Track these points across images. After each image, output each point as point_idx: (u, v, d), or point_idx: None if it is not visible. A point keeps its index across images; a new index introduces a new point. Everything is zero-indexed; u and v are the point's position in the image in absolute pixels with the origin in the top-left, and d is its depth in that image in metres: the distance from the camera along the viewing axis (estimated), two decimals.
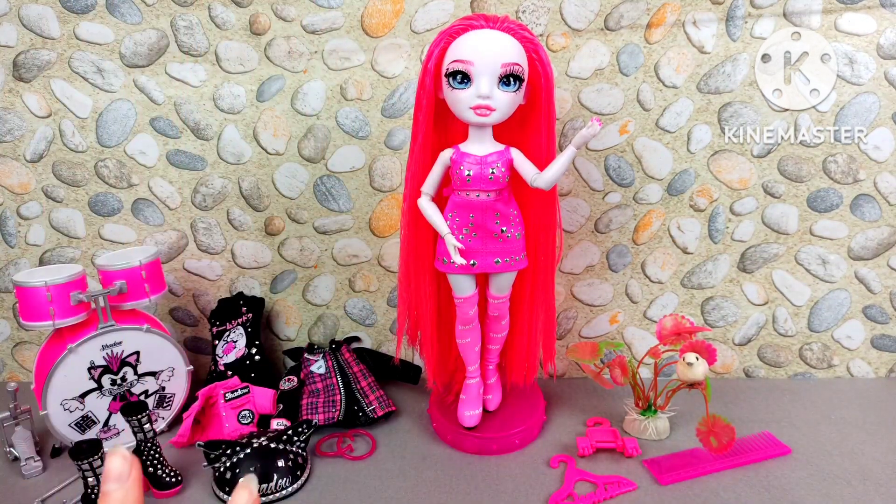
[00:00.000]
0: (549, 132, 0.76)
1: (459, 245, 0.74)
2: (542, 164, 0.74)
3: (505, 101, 0.70)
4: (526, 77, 0.71)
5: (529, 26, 0.92)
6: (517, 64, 0.69)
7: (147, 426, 0.76)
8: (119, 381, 0.87)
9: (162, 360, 0.90)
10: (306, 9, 0.93)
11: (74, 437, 0.85)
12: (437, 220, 0.75)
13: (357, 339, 1.07)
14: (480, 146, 0.74)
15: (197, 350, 1.10)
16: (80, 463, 0.68)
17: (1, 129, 0.99)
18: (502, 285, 0.81)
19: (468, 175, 0.73)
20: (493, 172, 0.73)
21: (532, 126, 0.77)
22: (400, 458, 0.84)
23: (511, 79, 0.69)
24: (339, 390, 0.94)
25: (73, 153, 1.00)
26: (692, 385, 0.81)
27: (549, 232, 0.81)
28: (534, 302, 0.84)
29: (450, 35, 0.71)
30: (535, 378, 0.91)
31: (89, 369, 0.84)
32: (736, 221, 0.98)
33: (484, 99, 0.69)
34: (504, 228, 0.76)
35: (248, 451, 0.76)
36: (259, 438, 0.78)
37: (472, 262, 0.77)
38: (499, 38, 0.69)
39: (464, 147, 0.75)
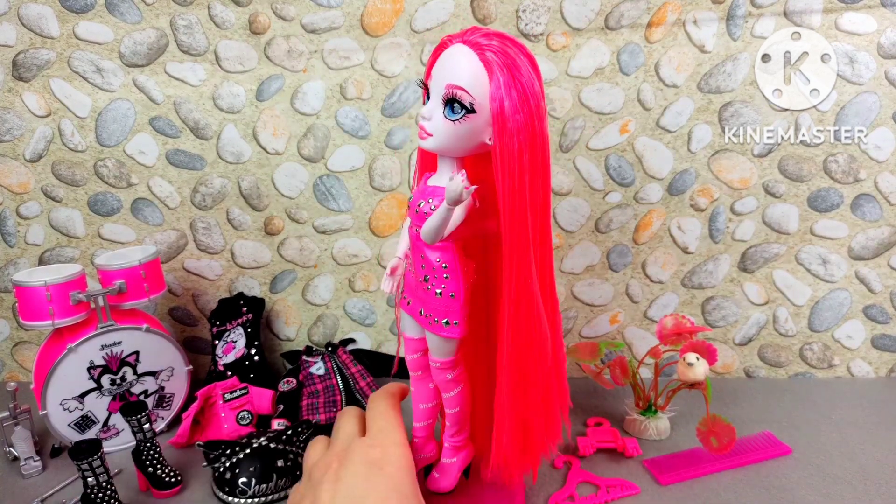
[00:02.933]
0: (506, 195, 0.57)
1: (387, 269, 0.64)
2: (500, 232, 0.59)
3: (442, 129, 0.57)
4: (478, 108, 0.56)
5: (530, 25, 0.92)
6: (460, 88, 0.55)
7: (146, 426, 0.76)
8: (118, 381, 0.87)
9: (161, 359, 0.90)
10: (306, 8, 0.93)
11: (74, 436, 0.84)
12: (401, 243, 0.66)
13: (352, 340, 1.07)
14: (438, 176, 0.62)
15: (196, 350, 1.10)
16: (79, 463, 0.68)
17: (0, 129, 0.99)
18: (433, 347, 0.65)
19: (409, 200, 0.63)
20: (420, 206, 0.60)
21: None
22: None
23: (454, 104, 0.56)
24: (340, 391, 0.94)
25: (73, 153, 1.00)
26: (692, 385, 0.81)
27: (526, 315, 0.61)
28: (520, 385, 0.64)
29: (438, 48, 0.61)
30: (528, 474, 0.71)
31: (89, 369, 0.84)
32: (736, 221, 0.97)
33: (421, 118, 0.58)
34: (426, 277, 0.62)
35: (248, 451, 0.76)
36: (259, 438, 0.78)
37: (408, 299, 0.65)
38: (457, 54, 0.57)
39: (434, 174, 0.64)
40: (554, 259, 0.81)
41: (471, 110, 0.56)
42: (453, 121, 0.56)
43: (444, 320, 0.61)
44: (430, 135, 0.58)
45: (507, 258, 0.58)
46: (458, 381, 0.67)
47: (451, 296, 0.61)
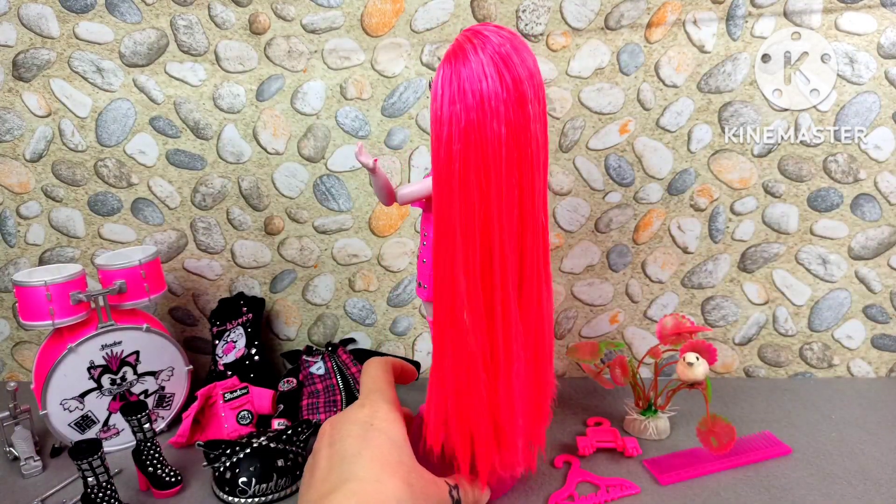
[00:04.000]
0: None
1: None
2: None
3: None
4: None
5: (529, 25, 0.92)
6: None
7: (147, 426, 0.76)
8: (119, 381, 0.87)
9: (161, 359, 0.90)
10: (306, 8, 0.93)
11: (74, 436, 0.85)
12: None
13: (353, 340, 1.07)
14: None
15: (196, 350, 1.10)
16: (79, 462, 0.68)
17: (0, 129, 0.99)
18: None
19: None
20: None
21: None
22: None
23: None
24: (340, 391, 0.94)
25: (73, 153, 1.00)
26: (692, 385, 0.81)
27: (441, 315, 0.60)
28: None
29: None
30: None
31: (89, 369, 0.84)
32: (736, 221, 0.97)
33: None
34: (419, 243, 0.70)
35: (248, 450, 0.76)
36: (259, 438, 0.78)
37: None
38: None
39: None
40: (551, 261, 0.80)
41: None
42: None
43: (419, 282, 0.70)
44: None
45: (434, 247, 0.61)
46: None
47: (424, 261, 0.68)
